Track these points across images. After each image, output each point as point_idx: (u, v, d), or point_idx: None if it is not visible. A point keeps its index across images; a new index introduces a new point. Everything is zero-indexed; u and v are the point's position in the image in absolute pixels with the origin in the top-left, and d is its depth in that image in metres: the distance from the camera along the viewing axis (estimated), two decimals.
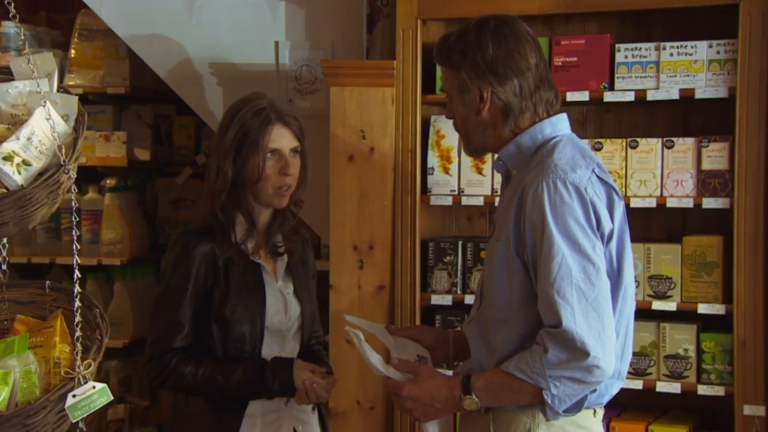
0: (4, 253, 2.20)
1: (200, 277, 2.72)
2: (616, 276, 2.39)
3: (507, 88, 2.40)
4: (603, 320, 2.27)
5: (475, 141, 2.51)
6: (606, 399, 2.45)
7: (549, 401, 2.27)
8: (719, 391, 3.42)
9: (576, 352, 2.24)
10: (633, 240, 3.44)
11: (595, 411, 2.44)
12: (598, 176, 2.38)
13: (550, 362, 2.25)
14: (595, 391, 2.34)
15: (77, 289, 2.08)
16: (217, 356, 2.73)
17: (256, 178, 2.73)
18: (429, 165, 3.79)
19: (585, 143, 2.60)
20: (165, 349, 2.71)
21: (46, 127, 2.03)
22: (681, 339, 3.49)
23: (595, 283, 2.27)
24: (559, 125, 2.47)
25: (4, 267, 2.23)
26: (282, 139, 2.75)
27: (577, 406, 2.33)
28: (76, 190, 2.08)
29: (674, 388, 3.48)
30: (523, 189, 2.35)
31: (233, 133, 2.73)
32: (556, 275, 2.26)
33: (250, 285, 2.75)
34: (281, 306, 2.79)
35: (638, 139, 3.56)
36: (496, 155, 2.55)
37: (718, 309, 3.43)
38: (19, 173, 1.98)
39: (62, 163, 2.01)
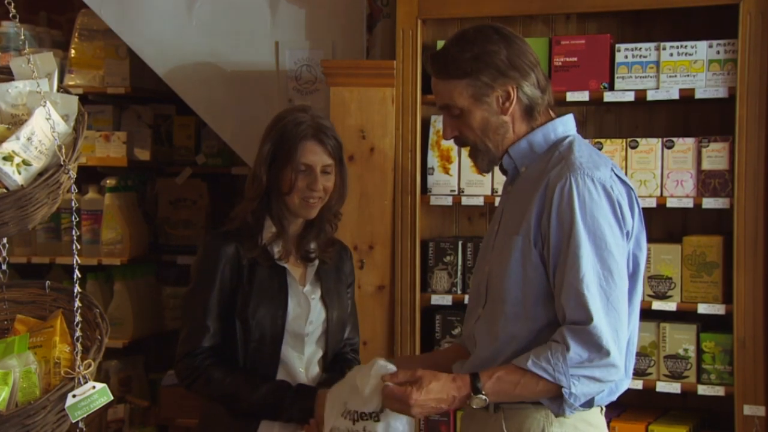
0: (4, 253, 2.19)
1: (225, 277, 2.75)
2: (632, 276, 2.39)
3: (530, 81, 2.41)
4: (621, 319, 2.29)
5: (493, 147, 2.45)
6: (616, 396, 2.46)
7: (568, 399, 2.28)
8: (719, 391, 3.43)
9: (599, 350, 2.25)
10: None
11: (602, 408, 2.46)
12: (617, 175, 2.39)
13: (572, 360, 2.25)
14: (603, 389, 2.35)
15: (77, 289, 2.08)
16: (242, 359, 2.75)
17: (287, 190, 2.75)
18: (429, 165, 3.78)
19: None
20: (193, 349, 2.75)
21: (46, 127, 2.03)
22: (681, 339, 3.49)
23: (617, 282, 2.29)
24: (570, 125, 2.49)
25: (4, 267, 2.22)
26: (314, 155, 2.75)
27: (588, 404, 2.34)
28: (76, 190, 2.07)
29: (674, 388, 3.48)
30: (547, 184, 2.34)
31: (271, 142, 2.77)
32: (585, 272, 2.26)
33: (274, 287, 2.76)
34: (303, 311, 2.79)
35: (638, 139, 3.56)
36: None
37: (718, 309, 3.43)
38: (19, 173, 1.98)
39: (62, 163, 2.01)
